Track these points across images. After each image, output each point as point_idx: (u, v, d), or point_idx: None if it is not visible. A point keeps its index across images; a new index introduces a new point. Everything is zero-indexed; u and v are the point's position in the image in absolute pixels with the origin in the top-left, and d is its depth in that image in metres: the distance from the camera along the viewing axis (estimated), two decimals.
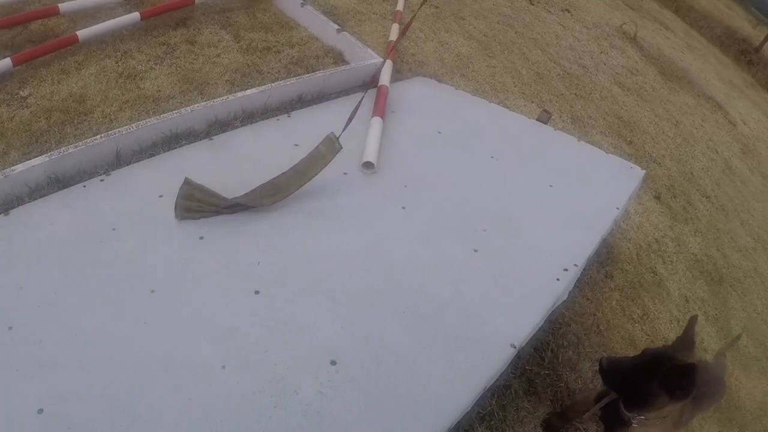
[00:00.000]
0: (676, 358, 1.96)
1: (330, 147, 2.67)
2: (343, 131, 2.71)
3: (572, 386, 2.93)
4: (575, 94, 5.75)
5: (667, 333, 3.68)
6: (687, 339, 2.09)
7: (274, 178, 2.60)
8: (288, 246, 2.41)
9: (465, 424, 2.46)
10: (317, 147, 2.68)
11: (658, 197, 4.86)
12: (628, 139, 5.48)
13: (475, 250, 2.64)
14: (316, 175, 2.65)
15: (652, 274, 4.00)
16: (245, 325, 2.06)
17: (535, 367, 2.91)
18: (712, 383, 2.30)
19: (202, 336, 2.00)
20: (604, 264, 3.72)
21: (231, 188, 2.52)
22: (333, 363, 2.00)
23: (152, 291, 2.10)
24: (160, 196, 2.44)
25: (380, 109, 3.33)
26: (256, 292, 2.18)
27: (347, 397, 1.91)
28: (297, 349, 2.02)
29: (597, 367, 2.15)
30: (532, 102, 5.10)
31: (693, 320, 2.14)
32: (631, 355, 2.18)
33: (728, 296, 4.55)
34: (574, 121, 5.18)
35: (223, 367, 1.91)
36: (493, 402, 2.62)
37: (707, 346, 3.92)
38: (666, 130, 6.18)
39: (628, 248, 4.03)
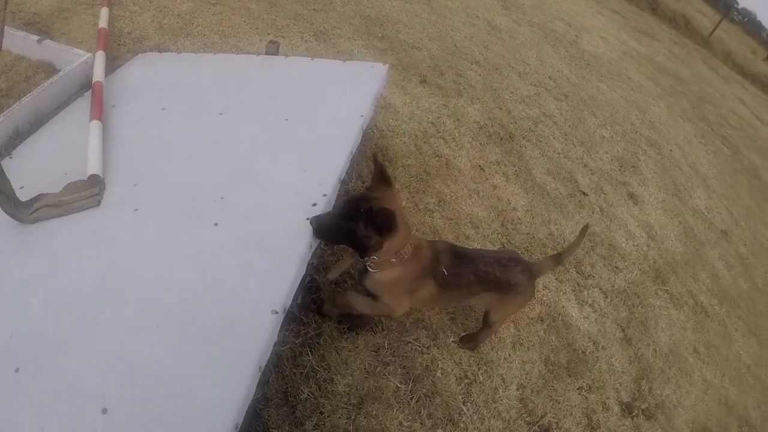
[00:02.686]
0: (371, 197, 2.10)
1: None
2: None
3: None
4: (314, 9, 5.53)
5: (470, 209, 3.65)
6: (379, 174, 2.18)
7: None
8: (34, 302, 2.13)
9: (292, 390, 2.33)
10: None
11: (424, 81, 4.82)
12: (380, 35, 5.37)
13: (216, 224, 2.38)
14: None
15: (437, 159, 3.94)
16: (12, 409, 1.80)
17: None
18: (503, 279, 2.46)
19: None
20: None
21: None
22: (104, 411, 1.73)
23: None
24: None
25: (97, 109, 2.98)
26: (16, 370, 1.88)
27: None
28: (67, 410, 1.76)
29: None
30: (268, 34, 4.81)
31: (375, 157, 2.29)
32: None
33: (523, 149, 4.64)
34: (318, 37, 4.97)
35: None
36: (311, 357, 2.46)
37: (516, 204, 3.95)
38: (419, 12, 6.17)
39: (405, 142, 3.93)
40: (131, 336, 1.97)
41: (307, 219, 2.24)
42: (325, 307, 2.62)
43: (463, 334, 2.86)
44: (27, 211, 2.42)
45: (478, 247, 3.39)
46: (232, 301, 2.07)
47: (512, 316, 2.98)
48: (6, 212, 2.37)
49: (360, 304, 2.40)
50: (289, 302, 2.11)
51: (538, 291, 3.38)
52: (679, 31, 16.56)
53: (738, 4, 31.27)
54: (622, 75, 8.05)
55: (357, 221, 2.07)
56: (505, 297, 2.49)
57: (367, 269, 2.25)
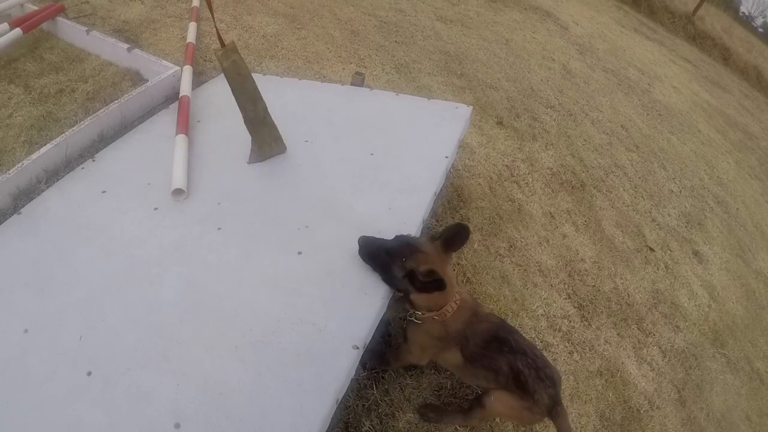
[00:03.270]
0: (420, 251, 2.13)
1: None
2: None
3: None
4: (396, 41, 5.70)
5: (539, 256, 3.69)
6: (450, 240, 2.19)
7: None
8: (111, 308, 2.19)
9: (353, 421, 2.40)
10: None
11: (500, 122, 4.90)
12: (458, 72, 5.49)
13: (300, 253, 2.44)
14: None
15: (510, 203, 4.02)
16: (83, 412, 1.85)
17: None
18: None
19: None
20: (457, 209, 3.70)
21: (50, 266, 2.34)
22: (177, 426, 1.80)
23: None
24: None
25: (183, 124, 3.09)
26: (89, 374, 1.95)
27: None
28: (138, 419, 1.83)
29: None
30: (351, 63, 4.99)
31: (459, 224, 2.23)
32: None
33: (593, 199, 4.67)
34: (399, 70, 5.12)
35: None
36: (375, 391, 2.54)
37: (584, 255, 3.98)
38: (497, 52, 6.27)
39: (480, 184, 4.02)
40: (208, 355, 2.02)
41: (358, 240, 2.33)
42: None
43: (428, 402, 2.69)
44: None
45: (545, 296, 3.44)
46: (312, 332, 2.11)
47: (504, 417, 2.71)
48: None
49: (399, 356, 2.51)
50: (369, 339, 2.17)
51: (599, 344, 3.41)
52: (750, 84, 16.22)
53: None
54: (692, 127, 7.97)
55: (395, 263, 2.14)
56: (516, 402, 2.28)
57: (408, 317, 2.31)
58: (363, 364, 2.61)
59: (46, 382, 1.92)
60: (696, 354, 3.95)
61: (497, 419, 2.72)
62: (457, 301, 2.22)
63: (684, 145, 7.14)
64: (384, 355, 2.62)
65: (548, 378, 2.23)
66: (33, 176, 2.96)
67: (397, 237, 2.24)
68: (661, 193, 5.60)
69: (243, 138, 3.06)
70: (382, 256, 2.19)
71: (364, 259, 2.31)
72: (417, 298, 2.17)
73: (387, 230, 2.50)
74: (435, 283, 2.04)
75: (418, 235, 2.59)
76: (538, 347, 2.40)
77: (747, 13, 22.98)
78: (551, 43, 7.18)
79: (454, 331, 2.23)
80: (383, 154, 3.09)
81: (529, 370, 2.19)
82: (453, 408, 2.63)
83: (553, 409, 2.25)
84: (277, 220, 2.63)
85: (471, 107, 3.56)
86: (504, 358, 2.21)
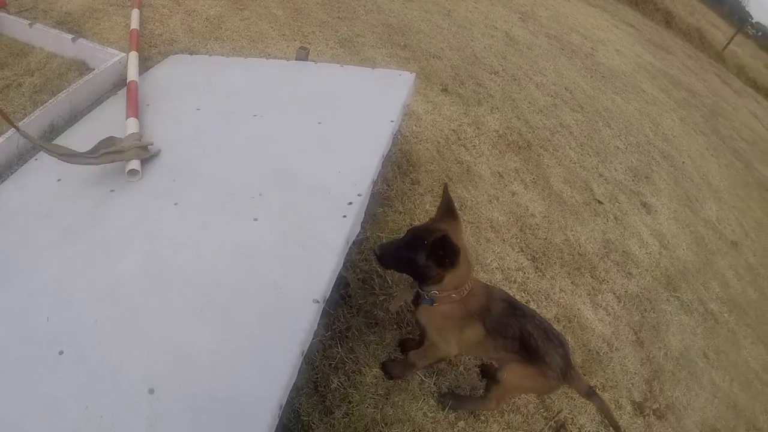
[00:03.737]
0: (437, 229, 2.06)
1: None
2: None
3: (410, 301, 2.91)
4: (338, 17, 5.70)
5: (490, 213, 3.80)
6: (446, 207, 2.19)
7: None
8: (76, 289, 2.22)
9: (322, 380, 2.46)
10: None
11: (445, 90, 4.98)
12: (402, 44, 5.54)
13: (256, 219, 2.51)
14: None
15: (458, 165, 4.10)
16: (58, 389, 1.87)
17: (368, 299, 2.89)
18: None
19: None
20: (407, 173, 3.75)
21: (13, 255, 2.36)
22: (151, 392, 1.84)
23: None
24: None
25: (132, 108, 3.08)
26: (60, 353, 1.96)
27: (174, 419, 1.78)
28: (112, 391, 1.85)
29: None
30: (295, 41, 4.98)
31: (445, 189, 2.24)
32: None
33: (540, 158, 4.79)
34: (343, 45, 5.14)
35: None
36: (340, 349, 2.59)
37: (533, 210, 4.10)
38: (439, 23, 6.33)
39: (428, 149, 4.09)
40: (175, 322, 2.06)
41: (373, 249, 2.30)
42: (395, 371, 2.61)
43: (450, 391, 2.72)
44: (94, 155, 2.61)
45: (498, 251, 3.55)
46: (274, 291, 2.17)
47: (513, 397, 2.77)
48: (68, 161, 2.63)
49: (419, 357, 2.45)
50: (328, 294, 2.23)
51: (554, 293, 3.53)
52: (693, 45, 16.63)
53: (752, 19, 31.25)
54: (636, 88, 8.18)
55: (418, 252, 2.08)
56: (529, 369, 2.31)
57: (420, 301, 2.28)
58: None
59: (19, 365, 1.93)
60: (650, 298, 4.10)
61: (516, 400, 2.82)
62: (473, 279, 2.24)
63: (628, 105, 7.33)
64: (404, 361, 2.59)
65: (556, 338, 2.27)
66: None
67: (408, 230, 2.22)
68: (607, 150, 5.75)
69: (192, 118, 3.11)
70: (403, 253, 2.14)
71: (385, 265, 2.31)
72: (446, 277, 2.13)
73: (337, 193, 2.60)
74: (450, 249, 2.01)
75: (368, 196, 2.66)
76: None
77: None
78: (493, 12, 7.28)
79: (476, 306, 2.23)
80: (330, 122, 3.13)
81: (538, 332, 2.22)
82: (471, 394, 2.69)
83: (567, 373, 2.28)
84: (232, 191, 2.67)
85: (414, 74, 3.61)
86: (516, 322, 2.23)
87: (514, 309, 2.26)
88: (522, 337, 2.22)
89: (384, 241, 2.38)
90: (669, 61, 11.59)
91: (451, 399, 2.63)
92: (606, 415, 2.49)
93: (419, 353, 2.45)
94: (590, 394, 2.38)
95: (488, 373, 2.71)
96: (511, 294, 3.29)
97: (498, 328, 2.23)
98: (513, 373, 2.34)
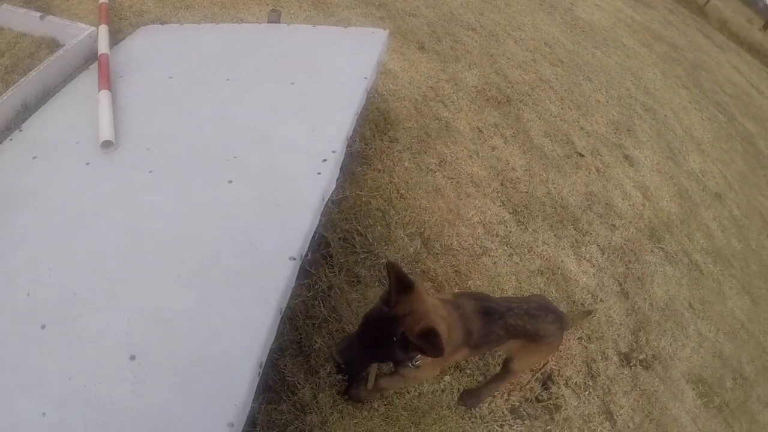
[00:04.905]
0: (401, 315, 1.80)
1: None
2: None
3: (391, 257, 2.95)
4: None
5: (470, 168, 3.79)
6: (399, 283, 1.81)
7: None
8: (55, 263, 2.22)
9: (306, 340, 2.48)
10: None
11: (422, 47, 4.92)
12: (377, 3, 5.45)
13: (230, 181, 2.50)
14: None
15: (437, 121, 4.07)
16: (41, 361, 1.89)
17: (349, 257, 2.89)
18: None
19: None
20: (385, 131, 3.71)
21: None
22: (132, 358, 1.85)
23: None
24: None
25: (104, 80, 3.06)
26: (43, 326, 1.97)
27: (156, 383, 1.79)
28: (94, 359, 1.87)
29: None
30: (267, 5, 4.87)
31: (390, 267, 1.82)
32: (354, 331, 2.02)
33: (520, 112, 4.76)
34: (316, 6, 5.05)
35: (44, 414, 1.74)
36: (323, 309, 2.60)
37: (514, 164, 4.09)
38: None
39: (405, 107, 4.05)
40: (154, 288, 2.08)
41: (332, 352, 2.26)
42: (361, 394, 2.40)
43: (464, 389, 2.66)
44: None
45: (479, 205, 3.55)
46: (250, 250, 2.19)
47: (536, 365, 2.85)
48: None
49: (396, 384, 2.32)
50: (305, 251, 2.24)
51: (537, 246, 3.54)
52: (675, 0, 16.57)
53: None
54: (617, 42, 8.13)
55: (391, 347, 1.83)
56: (531, 346, 2.34)
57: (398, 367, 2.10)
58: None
59: (2, 342, 1.94)
60: (634, 249, 4.11)
61: None
62: (443, 317, 1.94)
63: (609, 59, 7.29)
64: (348, 392, 2.43)
65: (540, 309, 2.30)
66: None
67: (364, 318, 1.95)
68: (588, 103, 5.73)
69: (165, 86, 3.10)
70: (371, 353, 1.93)
71: (354, 370, 2.25)
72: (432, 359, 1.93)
73: (311, 151, 2.61)
74: (437, 341, 1.72)
75: (343, 153, 2.65)
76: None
77: None
78: None
79: (458, 337, 2.03)
80: (303, 82, 3.12)
81: (521, 319, 2.21)
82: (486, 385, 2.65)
83: (564, 325, 2.37)
84: (206, 155, 2.68)
85: (387, 31, 3.56)
86: (498, 325, 2.15)
87: (490, 315, 2.13)
88: (508, 331, 2.19)
89: (339, 343, 2.18)
90: (650, 15, 11.51)
91: (471, 398, 2.62)
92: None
93: (394, 381, 2.25)
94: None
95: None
96: (494, 248, 3.33)
97: (482, 340, 2.14)
98: (522, 362, 2.45)
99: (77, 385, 1.78)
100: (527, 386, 2.81)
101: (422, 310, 1.81)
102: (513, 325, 2.19)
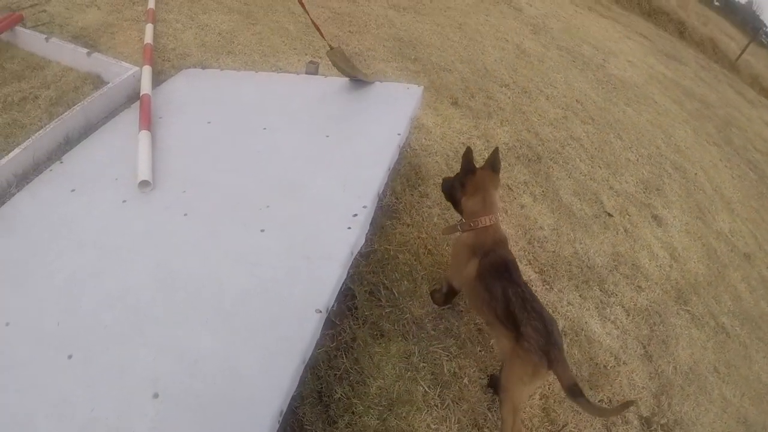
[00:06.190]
0: (473, 169, 2.69)
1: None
2: None
3: (416, 313, 2.96)
4: (350, 31, 5.76)
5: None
6: (491, 160, 2.75)
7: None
8: (86, 295, 2.31)
9: (326, 390, 2.48)
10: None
11: (455, 103, 5.00)
12: (413, 57, 5.58)
13: (262, 230, 2.57)
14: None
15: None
16: (66, 391, 1.95)
17: (375, 310, 2.91)
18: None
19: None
20: (416, 186, 3.77)
21: (26, 262, 2.47)
22: (156, 396, 1.90)
23: None
24: None
25: (145, 121, 3.19)
26: (69, 357, 2.04)
27: (177, 423, 1.84)
28: (118, 393, 1.93)
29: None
30: (306, 55, 5.04)
31: (468, 152, 2.74)
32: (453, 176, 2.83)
33: (550, 170, 4.79)
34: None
35: None
36: (345, 360, 2.62)
37: (542, 223, 4.10)
38: (450, 36, 6.37)
39: (437, 162, 4.11)
40: (181, 329, 2.14)
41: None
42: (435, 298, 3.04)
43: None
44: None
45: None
46: (278, 300, 2.24)
47: (510, 395, 2.43)
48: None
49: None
50: (331, 304, 2.28)
51: (562, 306, 3.52)
52: (707, 55, 16.54)
53: (766, 28, 30.99)
54: (648, 99, 8.15)
55: (455, 178, 2.74)
56: (509, 336, 2.32)
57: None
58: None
59: (30, 368, 2.01)
60: (659, 311, 4.07)
61: None
62: (492, 220, 2.55)
63: (640, 116, 7.31)
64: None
65: (534, 311, 2.29)
66: (3, 181, 3.00)
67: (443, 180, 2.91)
68: (618, 162, 5.74)
69: (203, 130, 3.17)
70: (449, 180, 2.81)
71: (444, 192, 2.92)
72: (465, 201, 2.65)
73: (342, 205, 2.66)
74: (468, 162, 2.66)
75: (374, 208, 2.72)
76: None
77: None
78: (505, 24, 7.31)
79: (480, 241, 2.52)
80: (338, 135, 3.20)
81: (516, 299, 2.31)
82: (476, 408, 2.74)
83: (550, 352, 2.21)
84: (240, 202, 2.75)
85: (422, 86, 3.66)
86: (500, 283, 2.37)
87: (507, 269, 2.43)
88: (503, 301, 2.34)
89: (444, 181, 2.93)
90: (682, 71, 11.53)
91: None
92: (593, 412, 2.54)
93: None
94: (573, 393, 2.19)
95: (494, 384, 2.75)
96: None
97: (486, 279, 2.43)
98: (505, 370, 2.41)
99: (99, 417, 1.83)
100: None
101: (488, 179, 2.68)
102: (508, 299, 2.33)
